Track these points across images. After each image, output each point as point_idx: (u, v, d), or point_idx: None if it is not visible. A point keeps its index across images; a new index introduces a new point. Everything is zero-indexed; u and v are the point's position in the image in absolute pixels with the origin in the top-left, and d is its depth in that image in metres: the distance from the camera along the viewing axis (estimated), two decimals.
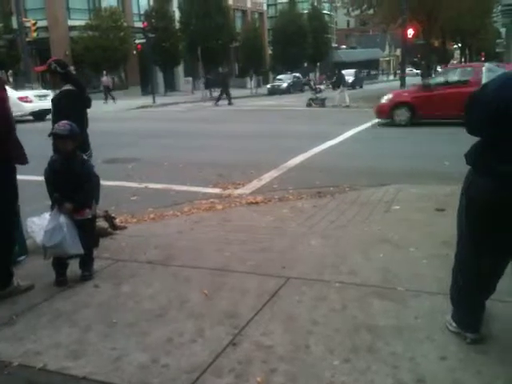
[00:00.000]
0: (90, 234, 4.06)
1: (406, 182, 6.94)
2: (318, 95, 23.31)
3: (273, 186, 7.34)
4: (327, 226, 5.16)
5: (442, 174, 7.34)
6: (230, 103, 26.89)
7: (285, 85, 40.16)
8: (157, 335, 3.08)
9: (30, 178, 5.11)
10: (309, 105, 22.86)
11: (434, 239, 4.52)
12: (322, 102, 22.63)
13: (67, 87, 4.56)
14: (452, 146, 9.65)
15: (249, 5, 56.08)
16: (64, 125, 3.86)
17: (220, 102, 27.00)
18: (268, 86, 42.37)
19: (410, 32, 26.57)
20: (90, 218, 4.03)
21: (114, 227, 5.20)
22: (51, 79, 4.65)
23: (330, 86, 25.11)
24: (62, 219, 3.77)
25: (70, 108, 4.48)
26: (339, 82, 23.31)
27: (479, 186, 2.62)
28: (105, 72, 31.17)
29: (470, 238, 2.75)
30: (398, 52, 53.20)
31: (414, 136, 12.11)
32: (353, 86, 39.64)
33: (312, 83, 27.77)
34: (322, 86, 24.59)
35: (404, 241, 4.56)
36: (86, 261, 4.05)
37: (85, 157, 4.13)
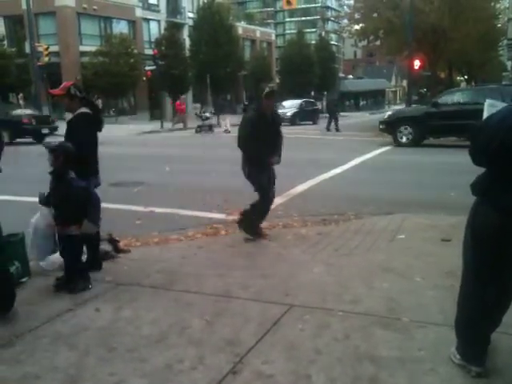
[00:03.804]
0: (67, 251, 4.23)
1: (411, 211, 6.92)
2: (205, 122, 25.66)
3: (277, 212, 7.32)
4: (331, 254, 5.13)
5: (447, 203, 7.30)
6: (337, 129, 25.06)
7: (289, 114, 31.98)
8: (156, 361, 3.04)
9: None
10: (198, 131, 25.14)
11: (440, 269, 4.48)
12: (209, 128, 25.41)
13: (83, 110, 4.61)
14: (458, 176, 9.67)
15: (258, 34, 57.02)
16: (59, 142, 4.24)
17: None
18: None
19: (417, 63, 26.83)
20: (70, 234, 4.13)
21: (118, 250, 5.19)
22: (68, 103, 4.65)
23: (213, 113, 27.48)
24: (33, 220, 4.23)
25: (87, 130, 4.56)
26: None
27: (484, 216, 2.61)
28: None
29: (476, 269, 2.72)
30: (405, 83, 53.80)
31: (420, 165, 12.12)
32: (292, 121, 30.97)
33: (198, 111, 28.93)
34: (208, 114, 26.39)
35: (409, 270, 4.52)
36: (67, 274, 4.23)
37: (73, 176, 4.22)
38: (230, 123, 25.00)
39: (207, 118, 25.98)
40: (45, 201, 4.30)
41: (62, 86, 4.73)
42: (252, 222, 5.82)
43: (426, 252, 5.10)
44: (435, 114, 15.65)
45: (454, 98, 16.42)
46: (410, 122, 16.55)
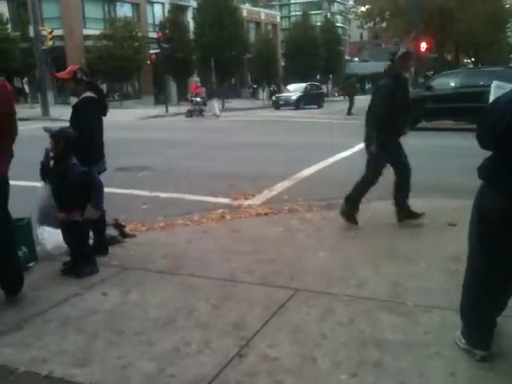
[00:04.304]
0: (73, 236, 4.26)
1: (416, 195, 6.89)
2: (195, 106, 26.00)
3: (283, 197, 7.33)
4: (336, 239, 5.13)
5: (452, 187, 7.27)
6: (349, 113, 24.70)
7: (294, 97, 32.57)
8: (163, 344, 3.07)
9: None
10: (189, 115, 25.51)
11: (445, 254, 4.48)
12: (199, 112, 25.85)
13: (88, 94, 4.60)
14: (461, 159, 9.61)
15: (263, 17, 56.48)
16: (60, 126, 4.22)
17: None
18: (273, 98, 35.36)
19: (423, 45, 26.52)
20: (75, 220, 4.15)
21: (124, 235, 5.22)
22: (74, 87, 4.63)
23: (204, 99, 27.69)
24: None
25: (92, 115, 4.56)
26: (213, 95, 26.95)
27: (491, 200, 2.60)
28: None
29: (481, 253, 2.72)
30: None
31: (423, 149, 12.04)
32: (297, 105, 31.78)
33: (188, 96, 29.25)
34: (198, 99, 26.63)
35: (414, 255, 4.52)
36: (74, 259, 4.30)
37: (74, 161, 4.21)
38: (218, 108, 26.29)
39: (197, 103, 26.40)
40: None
41: (68, 69, 4.70)
42: (354, 206, 5.53)
43: (432, 236, 5.09)
44: (429, 98, 15.55)
45: (448, 81, 16.33)
46: None
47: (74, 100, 4.79)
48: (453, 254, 4.32)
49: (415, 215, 5.53)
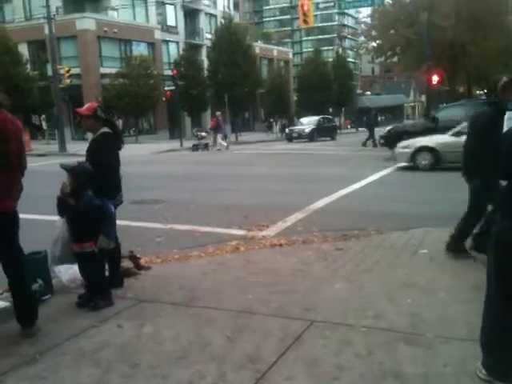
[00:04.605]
0: (89, 268, 4.30)
1: (432, 225, 6.84)
2: (200, 141, 26.94)
3: (297, 228, 7.31)
4: (352, 270, 5.08)
5: None
6: (364, 144, 24.89)
7: (307, 130, 32.96)
8: (178, 378, 3.04)
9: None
10: (194, 150, 26.19)
11: (464, 284, 4.41)
12: (205, 146, 26.58)
13: (105, 130, 4.68)
14: None
15: (275, 53, 57.51)
16: (78, 161, 4.38)
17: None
18: (286, 130, 35.70)
19: (435, 78, 26.72)
20: (89, 251, 4.20)
21: (139, 267, 5.22)
22: (93, 123, 4.67)
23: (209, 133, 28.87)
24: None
25: (109, 149, 4.65)
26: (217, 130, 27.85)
27: (504, 228, 2.59)
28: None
29: (499, 281, 2.68)
30: (424, 98, 53.61)
31: (438, 180, 11.99)
32: (310, 138, 32.16)
33: (194, 131, 30.65)
34: (204, 133, 27.93)
35: (432, 285, 4.46)
36: (89, 291, 4.32)
37: (90, 193, 4.30)
38: (221, 142, 27.03)
39: (202, 137, 27.22)
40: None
41: (87, 106, 4.78)
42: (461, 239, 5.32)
43: (450, 266, 5.02)
44: (433, 129, 15.67)
45: (453, 112, 16.42)
46: (407, 136, 16.37)
47: (90, 135, 4.87)
48: (472, 284, 4.25)
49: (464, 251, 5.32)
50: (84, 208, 4.20)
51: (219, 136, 27.28)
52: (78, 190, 4.24)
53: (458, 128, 12.57)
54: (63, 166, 4.27)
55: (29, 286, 3.92)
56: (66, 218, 4.38)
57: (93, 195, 4.28)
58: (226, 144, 27.05)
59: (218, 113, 29.83)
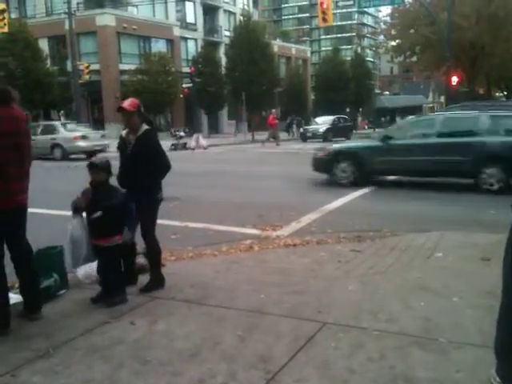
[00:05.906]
0: (108, 264, 4.32)
1: (448, 228, 6.77)
2: (179, 140, 26.45)
3: (311, 228, 7.29)
4: (366, 272, 5.05)
5: (487, 222, 7.11)
6: None
7: (321, 130, 32.64)
8: (189, 376, 3.05)
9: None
10: (172, 149, 24.91)
11: (479, 289, 4.35)
12: (183, 146, 26.21)
13: (146, 127, 4.62)
14: (498, 195, 9.41)
15: (293, 52, 57.41)
16: (103, 157, 4.48)
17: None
18: (301, 129, 35.64)
19: (454, 79, 26.39)
20: (112, 245, 4.26)
21: None
22: (135, 119, 4.54)
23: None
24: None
25: (160, 146, 4.69)
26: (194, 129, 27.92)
27: None
28: None
29: None
30: (442, 99, 52.99)
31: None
32: (325, 138, 31.10)
33: (172, 131, 30.10)
34: (182, 133, 27.52)
35: (446, 290, 4.41)
36: (104, 288, 4.34)
37: (115, 186, 4.44)
38: (203, 141, 26.97)
39: (181, 137, 27.04)
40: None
41: (130, 102, 4.59)
42: None
43: (465, 271, 4.97)
44: None
45: None
46: None
47: (124, 131, 4.71)
48: (487, 289, 4.20)
49: None
50: (120, 202, 4.30)
51: (199, 135, 27.07)
52: (108, 186, 4.35)
53: None
54: (93, 164, 4.33)
55: (37, 276, 4.05)
56: (92, 216, 4.31)
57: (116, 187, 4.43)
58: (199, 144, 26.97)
59: (274, 110, 29.60)
